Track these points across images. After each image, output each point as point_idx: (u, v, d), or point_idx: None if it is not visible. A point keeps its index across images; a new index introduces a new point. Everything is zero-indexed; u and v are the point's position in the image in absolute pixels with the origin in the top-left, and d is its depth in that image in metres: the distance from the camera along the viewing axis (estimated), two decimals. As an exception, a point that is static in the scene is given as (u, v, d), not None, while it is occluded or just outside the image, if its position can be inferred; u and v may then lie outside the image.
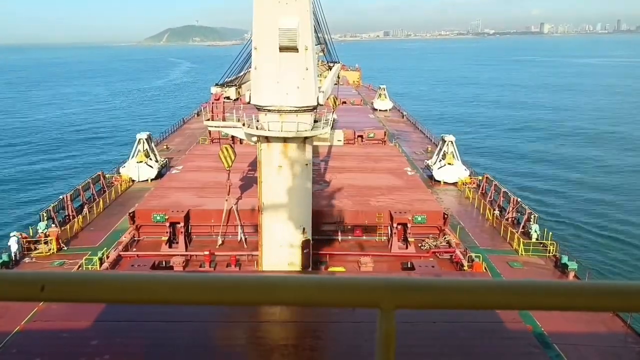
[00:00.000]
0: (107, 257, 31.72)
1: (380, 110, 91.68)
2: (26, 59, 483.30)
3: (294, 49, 25.41)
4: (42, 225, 35.53)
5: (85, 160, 77.67)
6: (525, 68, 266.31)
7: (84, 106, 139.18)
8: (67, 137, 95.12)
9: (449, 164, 49.64)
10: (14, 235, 33.35)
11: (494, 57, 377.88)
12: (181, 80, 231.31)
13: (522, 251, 34.96)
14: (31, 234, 34.97)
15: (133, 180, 48.95)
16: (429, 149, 62.35)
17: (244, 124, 28.45)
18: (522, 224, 38.91)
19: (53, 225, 36.05)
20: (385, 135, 63.40)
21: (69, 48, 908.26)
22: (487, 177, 48.12)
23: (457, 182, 49.31)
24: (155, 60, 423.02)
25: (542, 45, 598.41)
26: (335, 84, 40.10)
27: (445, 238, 35.15)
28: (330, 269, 31.52)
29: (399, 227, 34.53)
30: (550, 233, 37.14)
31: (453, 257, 33.17)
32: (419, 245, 34.63)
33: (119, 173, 49.72)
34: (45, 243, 33.77)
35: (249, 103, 27.68)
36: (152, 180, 48.70)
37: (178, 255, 32.66)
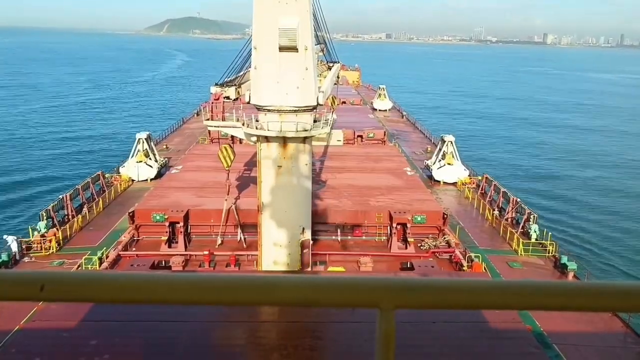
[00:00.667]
0: (107, 257, 31.69)
1: (379, 110, 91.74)
2: (27, 42, 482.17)
3: (294, 49, 25.40)
4: (41, 225, 35.54)
5: (84, 160, 77.63)
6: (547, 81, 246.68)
7: (77, 100, 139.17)
8: (65, 137, 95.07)
9: (449, 164, 49.66)
10: (12, 236, 33.34)
11: (504, 66, 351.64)
12: (173, 75, 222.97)
13: (521, 251, 34.97)
14: (30, 234, 34.96)
15: (133, 180, 48.96)
16: (429, 149, 62.36)
17: (243, 124, 28.45)
18: (521, 224, 38.91)
19: (52, 227, 36.05)
20: (384, 135, 63.43)
21: (67, 33, 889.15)
22: (486, 177, 48.11)
23: (456, 182, 49.32)
24: (151, 51, 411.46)
25: (549, 56, 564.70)
26: (335, 83, 40.11)
27: (444, 238, 35.16)
28: (329, 269, 31.51)
29: (399, 227, 34.53)
30: (550, 233, 37.17)
31: (452, 257, 33.17)
32: (419, 245, 34.63)
33: (119, 173, 49.72)
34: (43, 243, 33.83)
35: (248, 103, 27.68)
36: (151, 180, 48.71)
37: (177, 255, 32.64)
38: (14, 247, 32.82)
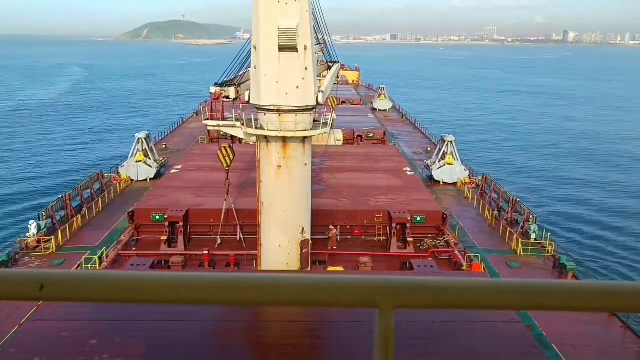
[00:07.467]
0: (107, 257, 31.70)
1: (379, 110, 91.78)
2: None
3: (294, 49, 25.41)
4: (41, 225, 35.51)
5: (84, 160, 77.58)
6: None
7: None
8: (64, 136, 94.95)
9: (449, 164, 49.65)
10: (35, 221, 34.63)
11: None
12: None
13: (520, 251, 34.97)
14: (30, 234, 34.93)
15: (132, 180, 48.96)
16: (429, 149, 62.35)
17: (243, 124, 28.43)
18: (521, 224, 38.91)
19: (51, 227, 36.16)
20: (384, 135, 63.47)
21: (30, 42, 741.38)
22: (486, 177, 48.12)
23: (456, 182, 49.31)
24: (28, 70, 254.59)
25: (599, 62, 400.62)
26: (335, 83, 40.10)
27: (444, 238, 35.15)
28: (329, 269, 31.51)
29: (398, 227, 34.51)
30: (549, 233, 37.18)
31: (452, 257, 33.16)
32: (418, 245, 34.61)
33: (118, 172, 49.71)
34: (43, 242, 33.84)
35: (248, 102, 27.67)
36: (151, 179, 48.72)
37: (177, 254, 32.64)
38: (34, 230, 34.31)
